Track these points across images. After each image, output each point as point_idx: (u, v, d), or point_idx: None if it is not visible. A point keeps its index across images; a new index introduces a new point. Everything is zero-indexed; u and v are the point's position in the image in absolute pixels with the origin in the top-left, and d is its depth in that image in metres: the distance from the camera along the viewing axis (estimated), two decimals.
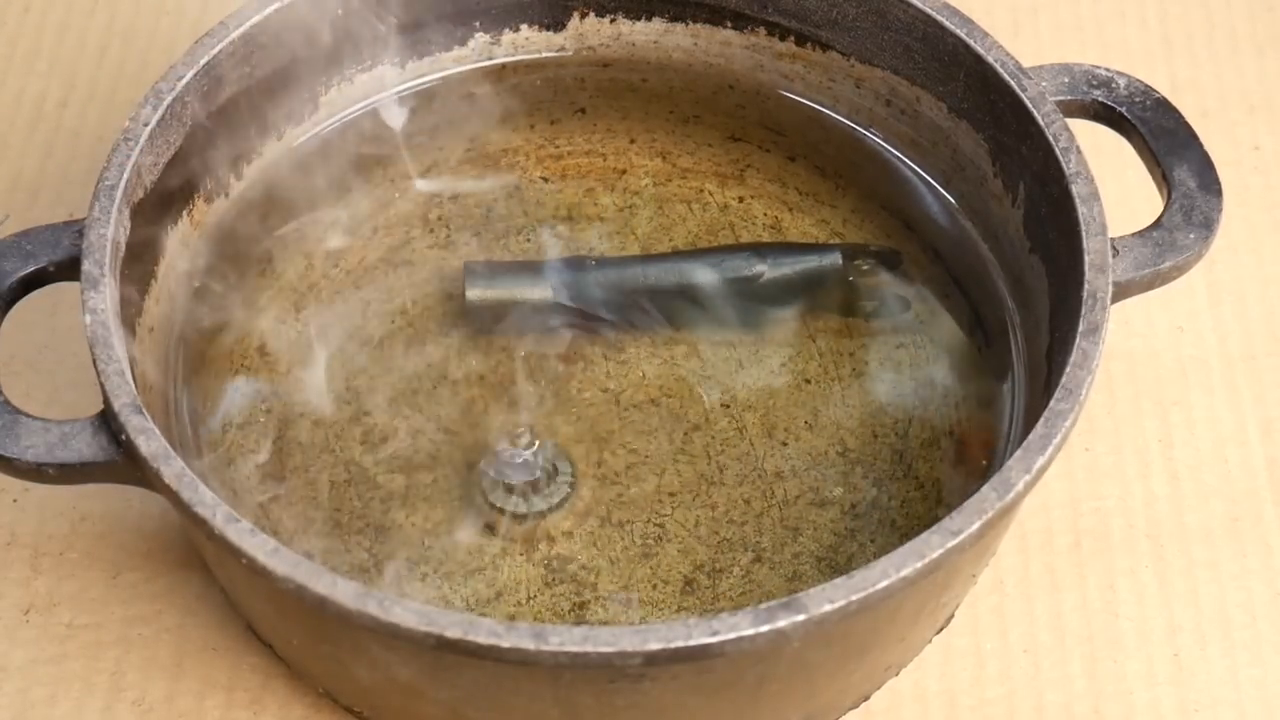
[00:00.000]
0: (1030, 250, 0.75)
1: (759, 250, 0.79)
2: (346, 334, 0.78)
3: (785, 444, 0.75)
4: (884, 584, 0.62)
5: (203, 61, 0.75)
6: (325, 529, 0.73)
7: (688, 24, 0.83)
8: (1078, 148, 0.73)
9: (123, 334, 0.69)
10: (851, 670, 0.69)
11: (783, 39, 0.82)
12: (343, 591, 0.62)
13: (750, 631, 0.61)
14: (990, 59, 0.75)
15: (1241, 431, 0.80)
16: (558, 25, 0.83)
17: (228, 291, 0.78)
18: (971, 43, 0.76)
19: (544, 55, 0.84)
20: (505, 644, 0.61)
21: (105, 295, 0.68)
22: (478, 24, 0.83)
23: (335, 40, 0.80)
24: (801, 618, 0.61)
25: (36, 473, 0.67)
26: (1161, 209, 0.73)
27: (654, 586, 0.72)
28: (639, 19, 0.83)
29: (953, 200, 0.80)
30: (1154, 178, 0.75)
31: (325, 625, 0.64)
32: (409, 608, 0.61)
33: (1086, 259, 0.70)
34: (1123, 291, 0.72)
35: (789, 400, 0.77)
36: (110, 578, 0.76)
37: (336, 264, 0.80)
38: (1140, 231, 0.72)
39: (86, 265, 0.69)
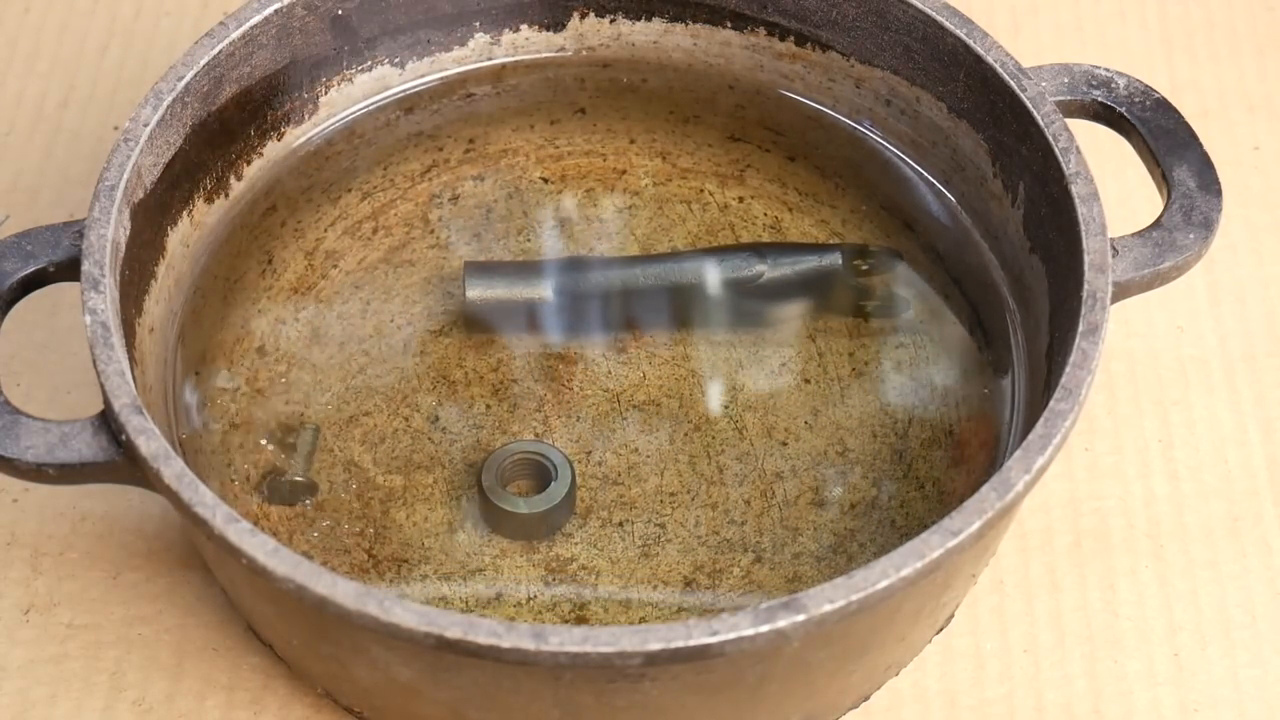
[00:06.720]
0: (1030, 250, 0.75)
1: (759, 250, 0.79)
2: (346, 334, 0.78)
3: (785, 444, 0.75)
4: (884, 584, 0.62)
5: (203, 61, 0.75)
6: (325, 529, 0.73)
7: (687, 24, 0.83)
8: (1077, 148, 0.73)
9: (123, 334, 0.69)
10: (851, 670, 0.69)
11: (783, 39, 0.82)
12: (343, 591, 0.62)
13: (750, 631, 0.61)
14: (990, 59, 0.75)
15: (1241, 431, 0.80)
16: (558, 25, 0.83)
17: (228, 292, 0.78)
18: (971, 43, 0.76)
19: (544, 55, 0.84)
20: (505, 644, 0.61)
21: (105, 295, 0.68)
22: (478, 24, 0.83)
23: (335, 40, 0.80)
24: (801, 618, 0.61)
25: (36, 473, 0.67)
26: (1161, 209, 0.73)
27: (654, 587, 0.72)
28: (639, 19, 0.83)
29: (953, 200, 0.80)
30: (1154, 178, 0.75)
31: (325, 625, 0.64)
32: (409, 608, 0.61)
33: (1086, 259, 0.70)
34: (1122, 291, 0.72)
35: (789, 400, 0.77)
36: (110, 578, 0.76)
37: (336, 264, 0.80)
38: (1140, 231, 0.72)
39: (86, 265, 0.69)
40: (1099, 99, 0.76)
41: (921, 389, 0.77)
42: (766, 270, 0.79)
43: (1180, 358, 0.82)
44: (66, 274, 0.70)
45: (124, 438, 0.66)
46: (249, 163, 0.80)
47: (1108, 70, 0.76)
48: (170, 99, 0.74)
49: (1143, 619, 0.75)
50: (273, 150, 0.80)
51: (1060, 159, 0.72)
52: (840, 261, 0.79)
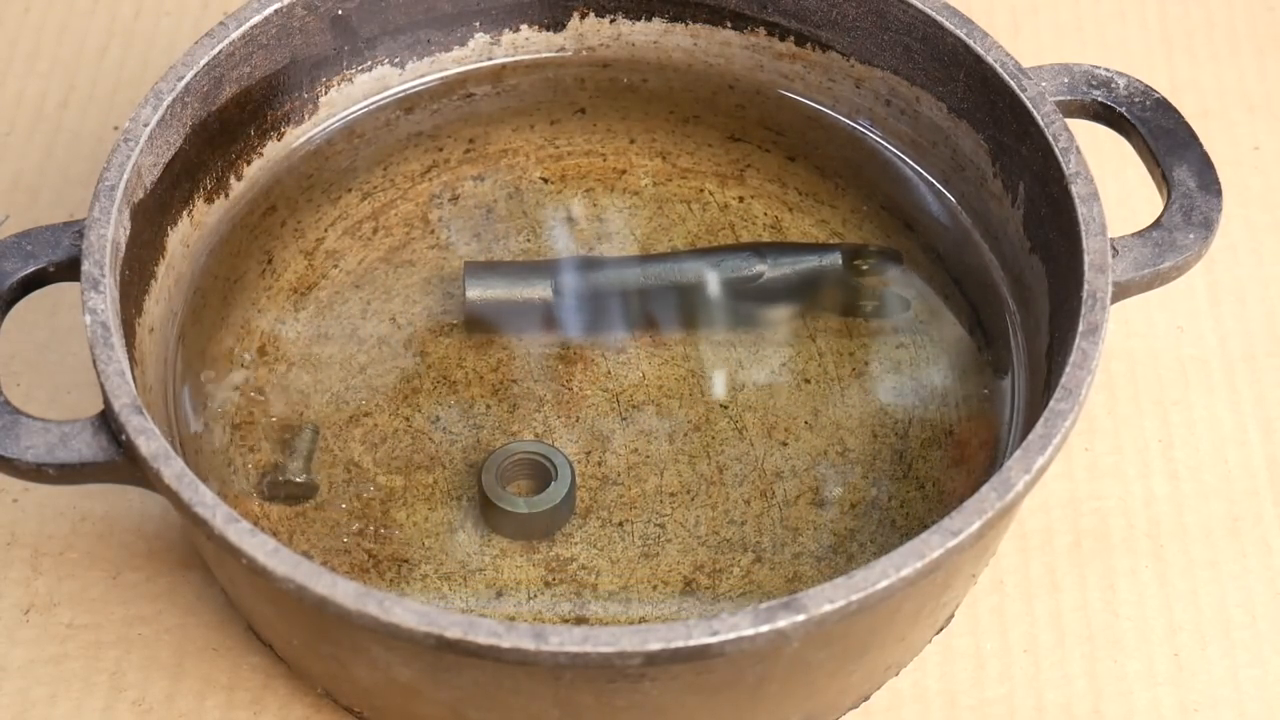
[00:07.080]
0: (1030, 250, 0.75)
1: (759, 250, 0.79)
2: (346, 334, 0.78)
3: (785, 444, 0.75)
4: (884, 584, 0.62)
5: (203, 61, 0.75)
6: (325, 529, 0.73)
7: (687, 24, 0.83)
8: (1077, 148, 0.73)
9: (123, 334, 0.69)
10: (851, 670, 0.69)
11: (783, 39, 0.82)
12: (343, 591, 0.62)
13: (750, 631, 0.61)
14: (990, 59, 0.75)
15: (1241, 431, 0.80)
16: (558, 25, 0.83)
17: (228, 292, 0.78)
18: (971, 43, 0.76)
19: (544, 55, 0.84)
20: (505, 644, 0.61)
21: (105, 295, 0.68)
22: (478, 24, 0.83)
23: (335, 40, 0.80)
24: (801, 618, 0.61)
25: (36, 473, 0.67)
26: (1161, 209, 0.73)
27: (654, 586, 0.72)
28: (639, 19, 0.83)
29: (953, 200, 0.80)
30: (1154, 178, 0.75)
31: (325, 625, 0.65)
32: (409, 608, 0.61)
33: (1086, 259, 0.70)
34: (1122, 291, 0.72)
35: (789, 400, 0.77)
36: (110, 578, 0.76)
37: (336, 264, 0.80)
38: (1140, 231, 0.72)
39: (86, 265, 0.69)
40: (1099, 99, 0.76)
41: (921, 389, 0.77)
42: (766, 270, 0.79)
43: (1180, 358, 0.82)
44: (66, 274, 0.70)
45: (124, 438, 0.66)
46: (249, 163, 0.80)
47: (1108, 70, 0.76)
48: (170, 99, 0.74)
49: (1143, 619, 0.75)
50: (273, 150, 0.80)
51: (1060, 159, 0.72)
52: (840, 261, 0.79)
